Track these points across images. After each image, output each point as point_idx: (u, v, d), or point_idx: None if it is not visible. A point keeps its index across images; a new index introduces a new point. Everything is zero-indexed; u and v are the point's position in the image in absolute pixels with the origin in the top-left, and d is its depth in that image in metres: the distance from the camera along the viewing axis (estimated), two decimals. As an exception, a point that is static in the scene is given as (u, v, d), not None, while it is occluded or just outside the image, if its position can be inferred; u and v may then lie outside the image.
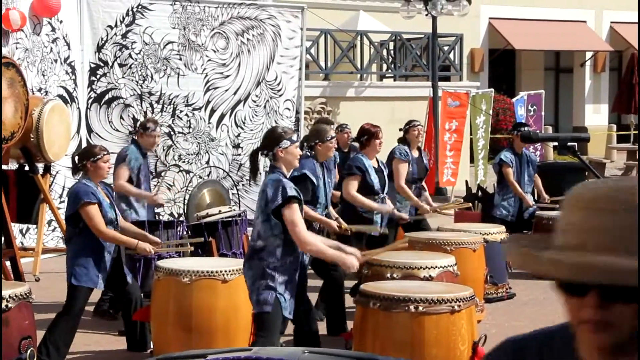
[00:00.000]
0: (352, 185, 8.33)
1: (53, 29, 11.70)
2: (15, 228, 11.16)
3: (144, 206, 9.00)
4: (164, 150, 12.73)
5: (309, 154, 7.69)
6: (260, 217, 5.73)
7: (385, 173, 8.70)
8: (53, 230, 11.66)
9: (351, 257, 5.77)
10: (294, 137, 5.88)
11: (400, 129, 9.88)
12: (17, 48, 11.10)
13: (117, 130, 12.49)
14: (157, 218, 11.54)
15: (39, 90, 11.43)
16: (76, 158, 7.16)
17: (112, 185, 8.22)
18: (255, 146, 13.50)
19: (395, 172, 9.26)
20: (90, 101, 12.33)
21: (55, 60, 11.75)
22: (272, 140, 5.84)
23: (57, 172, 11.62)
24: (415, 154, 9.77)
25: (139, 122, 9.62)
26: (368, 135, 8.53)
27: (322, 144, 7.65)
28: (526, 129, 12.34)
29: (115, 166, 8.80)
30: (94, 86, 12.33)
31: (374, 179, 8.41)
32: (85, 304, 7.05)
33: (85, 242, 6.90)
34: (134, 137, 9.32)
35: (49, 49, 11.63)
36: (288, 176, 5.85)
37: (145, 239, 7.26)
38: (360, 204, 8.29)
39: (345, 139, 11.00)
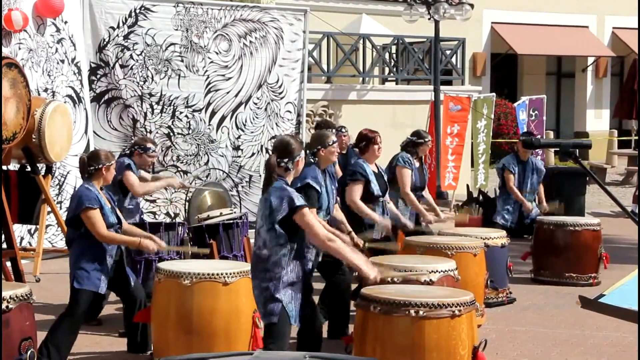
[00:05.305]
0: (356, 192, 8.30)
1: (58, 30, 11.70)
2: (24, 228, 11.17)
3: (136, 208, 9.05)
4: (162, 150, 12.71)
5: (312, 160, 7.66)
6: (264, 226, 5.72)
7: (386, 178, 8.69)
8: (64, 231, 11.69)
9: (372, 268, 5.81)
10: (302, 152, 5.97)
11: (411, 137, 9.79)
12: (20, 48, 11.10)
13: (116, 129, 12.50)
14: (156, 219, 11.56)
15: (45, 90, 11.43)
16: (87, 160, 7.10)
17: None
18: (255, 148, 13.66)
19: (400, 179, 9.25)
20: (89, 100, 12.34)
21: (62, 61, 11.74)
22: (288, 151, 5.90)
23: (68, 172, 11.61)
24: (417, 163, 9.76)
25: (134, 141, 9.36)
26: (366, 140, 8.52)
27: (324, 149, 7.60)
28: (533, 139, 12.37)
29: (123, 177, 8.70)
30: (93, 86, 12.32)
31: (375, 185, 8.41)
32: (88, 307, 7.04)
33: (87, 245, 6.89)
34: (127, 152, 9.07)
35: (54, 50, 11.63)
36: (290, 184, 5.87)
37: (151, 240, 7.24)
38: (362, 213, 8.27)
39: (341, 142, 10.96)
